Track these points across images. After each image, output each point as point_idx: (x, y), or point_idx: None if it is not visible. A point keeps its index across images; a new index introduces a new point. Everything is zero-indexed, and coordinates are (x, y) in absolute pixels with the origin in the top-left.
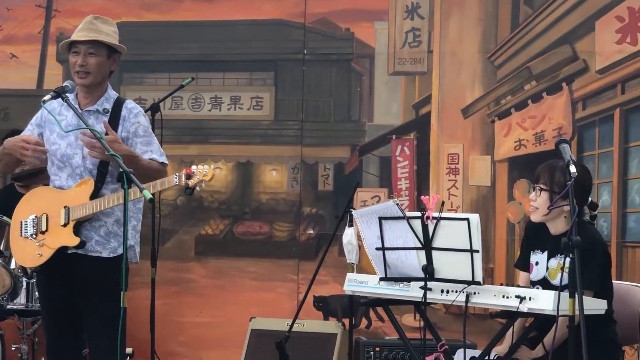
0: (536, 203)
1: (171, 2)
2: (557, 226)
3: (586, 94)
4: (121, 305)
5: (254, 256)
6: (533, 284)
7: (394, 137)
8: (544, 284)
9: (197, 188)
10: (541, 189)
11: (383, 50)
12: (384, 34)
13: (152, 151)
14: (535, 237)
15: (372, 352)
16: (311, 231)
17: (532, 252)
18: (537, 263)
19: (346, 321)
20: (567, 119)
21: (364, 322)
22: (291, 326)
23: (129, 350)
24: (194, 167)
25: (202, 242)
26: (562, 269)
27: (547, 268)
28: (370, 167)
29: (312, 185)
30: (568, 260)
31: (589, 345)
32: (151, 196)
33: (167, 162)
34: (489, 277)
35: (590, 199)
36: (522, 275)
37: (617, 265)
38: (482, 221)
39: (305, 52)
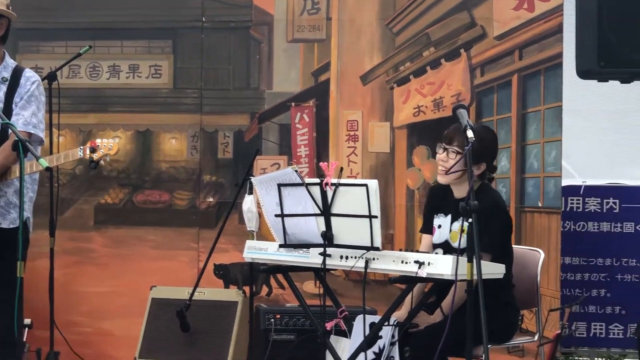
0: (447, 164)
1: None
2: (462, 190)
3: (484, 60)
4: (18, 275)
5: (154, 225)
6: (435, 246)
7: (293, 104)
8: (446, 247)
9: (102, 162)
10: (456, 152)
11: (282, 17)
12: (283, 2)
13: (23, 116)
14: (439, 201)
15: (272, 320)
16: (211, 199)
17: (435, 215)
18: (439, 226)
19: (247, 289)
20: (465, 85)
21: (265, 289)
22: (192, 295)
23: (27, 321)
24: (98, 140)
25: (102, 211)
26: (462, 232)
27: (450, 231)
28: (270, 135)
29: (211, 153)
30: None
31: (487, 308)
32: (47, 164)
33: (33, 132)
34: (389, 243)
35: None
36: (424, 239)
37: (516, 230)
38: (382, 187)
39: (203, 19)
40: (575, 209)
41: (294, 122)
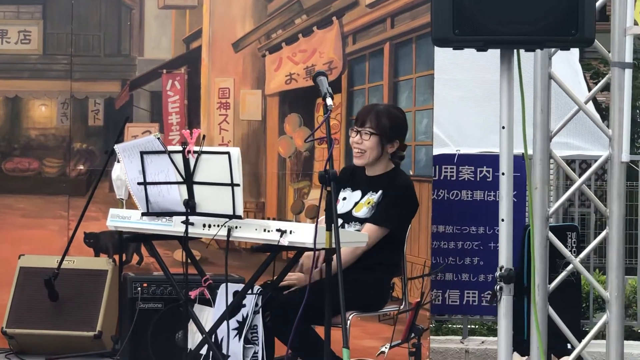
0: (363, 146)
1: None
2: (376, 168)
3: (356, 28)
4: None
5: (23, 193)
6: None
7: (164, 71)
8: (347, 217)
9: None
10: (370, 133)
11: None
12: None
13: None
14: (347, 178)
15: (139, 288)
16: (81, 167)
17: (342, 190)
18: (344, 199)
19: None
20: (337, 53)
21: (136, 258)
22: (60, 263)
23: None
24: None
25: None
26: (368, 204)
27: (356, 204)
28: (141, 102)
29: (82, 121)
30: (377, 195)
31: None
32: None
33: None
34: (260, 211)
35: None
36: None
37: None
38: (253, 156)
39: None
40: (449, 178)
41: (165, 89)
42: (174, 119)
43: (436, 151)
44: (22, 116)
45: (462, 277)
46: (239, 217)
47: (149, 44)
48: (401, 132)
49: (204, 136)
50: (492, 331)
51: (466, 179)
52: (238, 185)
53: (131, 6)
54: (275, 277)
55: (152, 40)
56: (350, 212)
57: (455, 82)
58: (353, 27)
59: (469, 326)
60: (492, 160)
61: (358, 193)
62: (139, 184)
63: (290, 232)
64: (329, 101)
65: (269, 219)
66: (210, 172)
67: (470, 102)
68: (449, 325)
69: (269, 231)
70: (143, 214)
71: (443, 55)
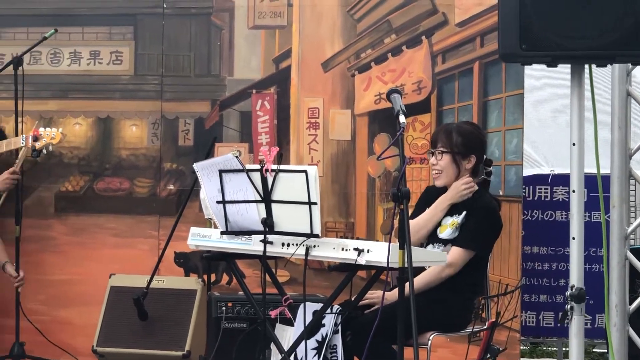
0: (438, 166)
1: None
2: None
3: (446, 47)
4: None
5: (114, 212)
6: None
7: (254, 91)
8: (431, 238)
9: (44, 151)
10: (442, 152)
11: (243, 3)
12: None
13: None
14: (433, 198)
15: (224, 308)
16: (172, 187)
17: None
18: None
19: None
20: (426, 73)
21: (225, 278)
22: (149, 282)
23: None
24: (41, 129)
25: (62, 198)
26: (452, 226)
27: (441, 224)
28: (231, 122)
29: (172, 141)
30: (461, 217)
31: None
32: None
33: None
34: (350, 231)
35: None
36: None
37: None
38: (342, 176)
39: (164, 5)
40: (543, 198)
41: (254, 109)
42: (264, 138)
43: (530, 171)
44: (113, 136)
45: (556, 299)
46: (317, 236)
47: (238, 64)
48: (476, 146)
49: (281, 155)
50: (588, 354)
51: (560, 200)
52: (315, 203)
53: (221, 26)
54: (354, 296)
55: (242, 61)
56: (434, 233)
57: (547, 102)
58: (442, 47)
59: (563, 349)
60: (586, 181)
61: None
62: (218, 202)
63: (368, 250)
64: (401, 119)
65: (358, 239)
66: (288, 191)
67: (563, 122)
68: (544, 348)
69: (346, 250)
70: (222, 233)
71: (532, 74)
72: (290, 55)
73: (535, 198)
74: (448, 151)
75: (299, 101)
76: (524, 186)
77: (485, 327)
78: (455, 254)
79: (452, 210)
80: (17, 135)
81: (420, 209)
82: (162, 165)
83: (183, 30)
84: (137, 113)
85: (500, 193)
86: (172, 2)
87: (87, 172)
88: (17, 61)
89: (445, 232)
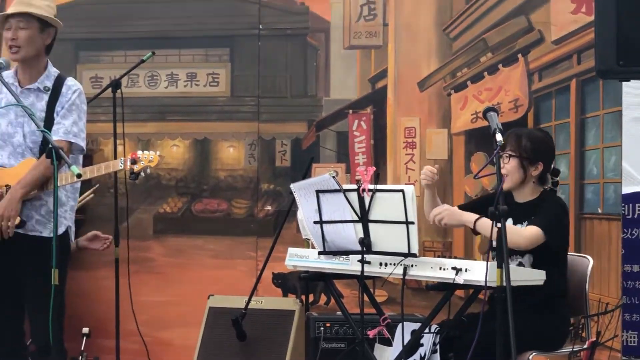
0: (504, 170)
1: None
2: (524, 193)
3: (542, 65)
4: (52, 283)
5: (212, 234)
6: (493, 250)
7: (350, 111)
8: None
9: (142, 174)
10: (510, 156)
11: (338, 24)
12: (339, 8)
13: (64, 125)
14: (491, 202)
15: (322, 328)
16: (269, 208)
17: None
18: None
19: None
20: (523, 91)
21: (323, 298)
22: (247, 303)
23: (85, 330)
24: (139, 152)
25: (161, 220)
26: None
27: None
28: (328, 142)
29: (269, 162)
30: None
31: (533, 314)
32: (79, 172)
33: (74, 140)
34: (448, 251)
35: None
36: None
37: (575, 236)
38: (440, 195)
39: (260, 27)
40: None
41: (351, 129)
42: (360, 158)
43: (629, 189)
44: (210, 158)
45: None
46: (414, 255)
47: (334, 85)
48: (545, 153)
49: (377, 174)
50: None
51: None
52: (413, 223)
53: (317, 47)
54: (452, 316)
55: (338, 81)
56: None
57: None
58: (539, 64)
59: None
60: None
61: (510, 222)
62: (315, 222)
63: (466, 269)
64: (498, 137)
65: (456, 258)
66: (385, 210)
67: None
68: None
69: (444, 269)
70: (320, 253)
71: (630, 91)
72: (386, 74)
73: (635, 216)
74: (516, 155)
75: (395, 121)
76: (623, 204)
77: (585, 346)
78: (529, 230)
79: (520, 217)
80: (115, 157)
81: (473, 203)
82: (260, 186)
83: (279, 51)
84: (234, 134)
85: (599, 211)
86: (268, 24)
87: (185, 193)
88: (115, 84)
89: None
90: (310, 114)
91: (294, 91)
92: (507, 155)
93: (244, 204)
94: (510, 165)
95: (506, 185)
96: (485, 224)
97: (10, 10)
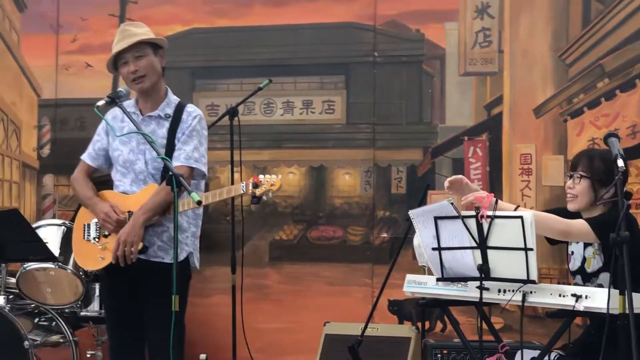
0: (574, 190)
1: (241, 7)
2: (593, 214)
3: None
4: (172, 309)
5: (328, 261)
6: (573, 274)
7: (466, 138)
8: (582, 273)
9: (264, 197)
10: (581, 176)
11: (453, 50)
12: (454, 35)
13: (185, 150)
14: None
15: (439, 355)
16: (385, 234)
17: (568, 242)
18: (572, 253)
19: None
20: None
21: (439, 325)
22: (364, 330)
23: (202, 356)
24: (261, 176)
25: (277, 247)
26: (594, 254)
27: (585, 258)
28: (443, 169)
29: (385, 188)
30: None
31: None
32: (199, 199)
33: (195, 166)
34: (564, 278)
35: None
36: None
37: None
38: None
39: (375, 54)
40: None
41: (467, 156)
42: (476, 186)
43: None
44: (326, 185)
45: None
46: (533, 282)
47: (450, 111)
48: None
49: (496, 200)
50: None
51: None
52: (532, 249)
53: (432, 74)
54: (571, 343)
55: (453, 107)
56: (583, 269)
57: None
58: None
59: None
60: None
61: (581, 245)
62: (433, 249)
63: (586, 297)
64: (619, 163)
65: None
66: (504, 237)
67: None
68: None
69: (564, 296)
70: (438, 280)
71: None
72: (501, 101)
73: None
74: (587, 176)
75: (511, 147)
76: None
77: None
78: (579, 223)
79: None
80: (232, 184)
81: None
82: (375, 213)
83: (394, 78)
84: (350, 161)
85: None
86: (383, 51)
87: (301, 220)
88: (232, 112)
89: (591, 265)
90: (426, 140)
91: (410, 118)
92: (579, 176)
93: (359, 231)
94: (580, 187)
95: (574, 206)
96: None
97: (118, 47)
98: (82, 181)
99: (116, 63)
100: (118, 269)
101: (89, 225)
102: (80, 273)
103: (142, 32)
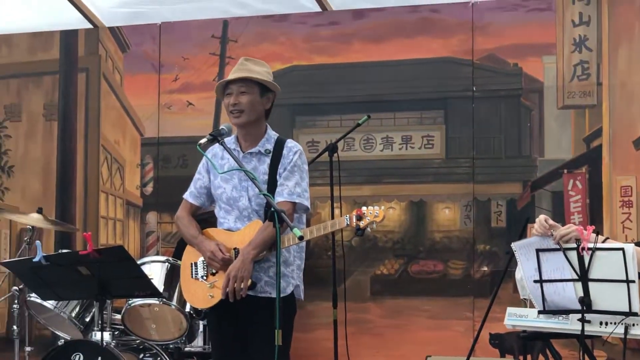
0: None
1: (340, 44)
2: None
3: None
4: (276, 344)
5: (429, 294)
6: None
7: (565, 171)
8: None
9: (368, 229)
10: None
11: (552, 84)
12: (552, 68)
13: (287, 186)
14: None
15: None
16: (485, 268)
17: None
18: None
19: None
20: None
21: (542, 358)
22: None
23: None
24: (364, 208)
25: (378, 281)
26: None
27: None
28: (543, 202)
29: (485, 222)
30: None
31: None
32: (300, 234)
33: (297, 201)
34: None
35: None
36: None
37: None
38: None
39: (474, 88)
40: None
41: (566, 189)
42: (576, 218)
43: None
44: (427, 219)
45: None
46: (635, 314)
47: (549, 145)
48: None
49: (597, 232)
50: None
51: None
52: (634, 281)
53: (530, 107)
54: None
55: (552, 141)
56: None
57: None
58: None
59: None
60: None
61: None
62: (535, 281)
63: None
64: None
65: None
66: (605, 269)
67: None
68: None
69: None
70: (540, 312)
71: None
72: (600, 133)
73: None
74: None
75: (611, 180)
76: None
77: None
78: None
79: None
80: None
81: None
82: (476, 246)
83: (493, 113)
84: (450, 196)
85: None
86: (481, 85)
87: (402, 255)
88: (332, 148)
89: None
90: (525, 174)
91: (509, 152)
92: None
93: (460, 264)
94: None
95: None
96: None
97: (231, 76)
98: (186, 220)
99: (224, 91)
100: (226, 305)
101: (196, 263)
102: (191, 312)
103: (257, 69)
